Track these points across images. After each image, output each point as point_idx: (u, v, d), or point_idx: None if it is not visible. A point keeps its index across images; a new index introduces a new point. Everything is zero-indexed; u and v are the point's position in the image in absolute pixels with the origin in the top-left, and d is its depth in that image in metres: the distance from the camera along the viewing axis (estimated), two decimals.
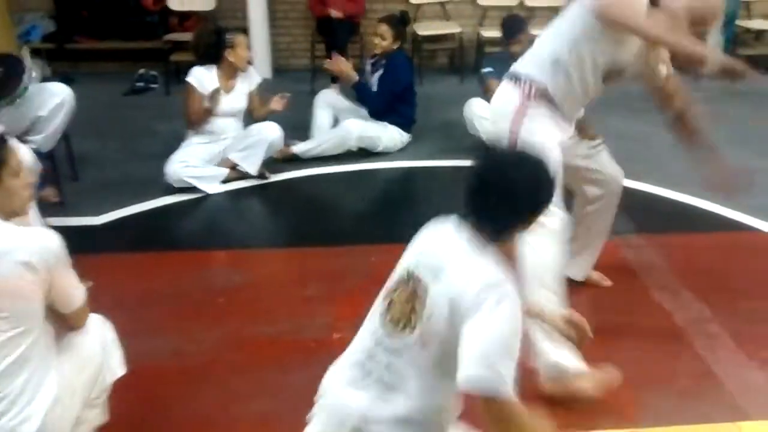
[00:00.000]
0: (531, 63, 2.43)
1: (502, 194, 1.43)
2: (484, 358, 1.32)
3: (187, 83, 3.99)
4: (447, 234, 1.49)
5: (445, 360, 1.39)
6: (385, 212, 3.76)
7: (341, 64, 4.54)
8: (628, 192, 3.06)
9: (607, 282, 2.95)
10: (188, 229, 3.69)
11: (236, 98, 4.07)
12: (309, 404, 2.23)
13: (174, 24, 6.40)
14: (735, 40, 6.98)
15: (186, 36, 6.07)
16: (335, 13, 5.82)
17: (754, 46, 7.27)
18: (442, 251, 1.45)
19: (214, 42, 3.99)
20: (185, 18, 6.44)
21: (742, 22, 7.00)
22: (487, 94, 4.42)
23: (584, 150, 2.69)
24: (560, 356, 2.22)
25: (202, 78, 3.98)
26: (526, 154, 1.57)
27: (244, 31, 6.33)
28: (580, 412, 2.23)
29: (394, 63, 4.55)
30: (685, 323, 2.72)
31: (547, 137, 2.30)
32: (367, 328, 1.53)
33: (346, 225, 3.69)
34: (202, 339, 2.59)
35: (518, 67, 2.46)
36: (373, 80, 4.59)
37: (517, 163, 1.49)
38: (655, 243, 3.31)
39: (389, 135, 4.55)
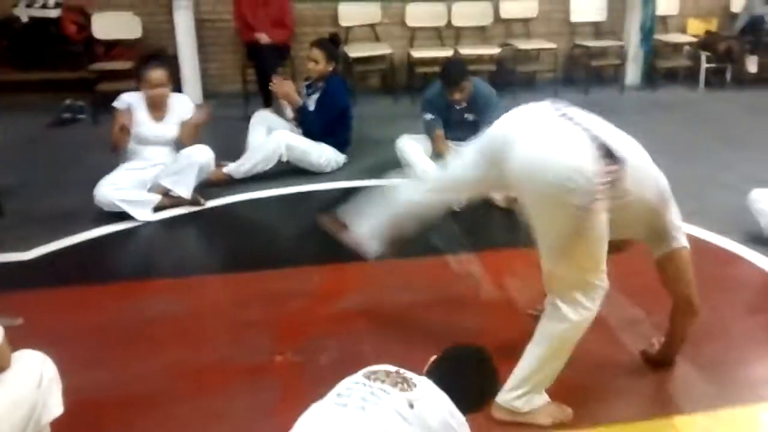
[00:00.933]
0: None
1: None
2: None
3: (113, 108, 3.97)
4: None
5: None
6: (324, 233, 3.76)
7: (286, 87, 4.56)
8: None
9: None
10: (123, 259, 3.61)
11: (166, 127, 4.02)
12: (256, 427, 2.22)
13: (100, 53, 6.29)
14: (654, 53, 7.31)
15: (112, 65, 6.00)
16: (263, 39, 5.83)
17: (673, 58, 7.63)
18: None
19: (137, 72, 3.98)
20: (111, 47, 6.34)
21: (660, 36, 7.34)
22: (434, 143, 4.47)
23: None
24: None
25: (130, 101, 3.96)
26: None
27: (173, 59, 6.33)
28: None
29: (331, 87, 4.59)
30: (619, 325, 2.81)
31: None
32: None
33: (286, 247, 3.68)
34: (142, 369, 2.53)
35: None
36: (310, 103, 4.63)
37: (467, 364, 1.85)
38: None
39: (324, 152, 4.58)
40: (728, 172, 4.59)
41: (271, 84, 4.68)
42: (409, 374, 1.65)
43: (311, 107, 4.62)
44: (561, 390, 2.40)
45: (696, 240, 3.61)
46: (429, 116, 4.44)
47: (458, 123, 4.37)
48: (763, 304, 3.10)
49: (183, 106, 4.12)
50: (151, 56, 4.25)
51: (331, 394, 1.62)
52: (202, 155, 4.02)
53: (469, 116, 4.38)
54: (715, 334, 2.78)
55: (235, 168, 4.41)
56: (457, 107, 4.37)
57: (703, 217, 3.80)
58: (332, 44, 4.85)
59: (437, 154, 4.45)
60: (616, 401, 2.38)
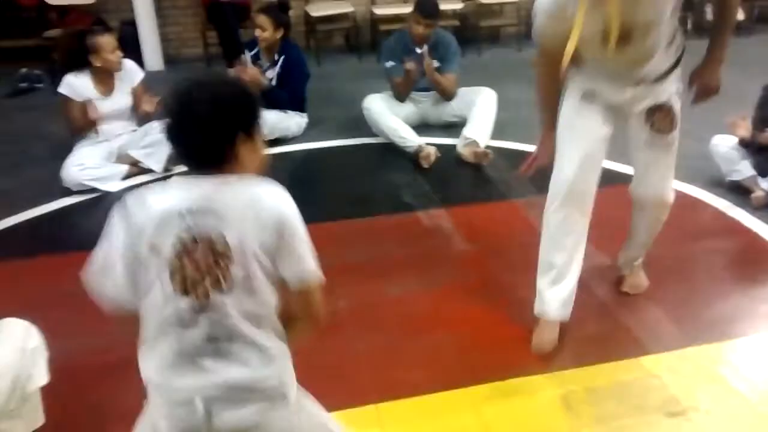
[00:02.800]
0: None
1: (202, 121, 1.29)
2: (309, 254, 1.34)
3: (60, 94, 3.83)
4: (194, 182, 1.30)
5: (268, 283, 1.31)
6: (295, 195, 3.77)
7: (250, 72, 4.33)
8: (524, 155, 3.20)
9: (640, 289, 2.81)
10: (92, 228, 3.50)
11: (118, 99, 3.92)
12: None
13: (54, 19, 6.11)
14: None
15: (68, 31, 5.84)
16: None
17: None
18: (206, 200, 1.28)
19: (76, 48, 3.78)
20: (65, 13, 6.16)
21: None
22: (393, 90, 4.47)
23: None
24: None
25: (74, 85, 3.82)
26: (215, 77, 1.49)
27: (131, 24, 6.18)
28: (494, 362, 2.35)
29: (291, 58, 4.39)
30: (587, 272, 2.87)
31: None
32: (160, 312, 1.32)
33: None
34: (120, 334, 2.53)
35: None
36: (270, 75, 4.43)
37: (205, 87, 1.33)
38: None
39: (294, 121, 4.52)
40: (689, 119, 4.56)
41: (233, 70, 4.39)
42: None
43: (273, 82, 4.41)
44: (528, 336, 2.48)
45: None
46: (390, 63, 4.44)
47: (420, 71, 4.38)
48: (724, 246, 3.20)
49: (130, 73, 3.98)
50: (91, 26, 4.09)
51: None
52: None
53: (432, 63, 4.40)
54: (679, 276, 2.89)
55: None
56: (419, 51, 4.36)
57: None
58: (280, 9, 4.62)
59: (398, 98, 4.47)
60: (585, 345, 2.46)
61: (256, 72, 4.36)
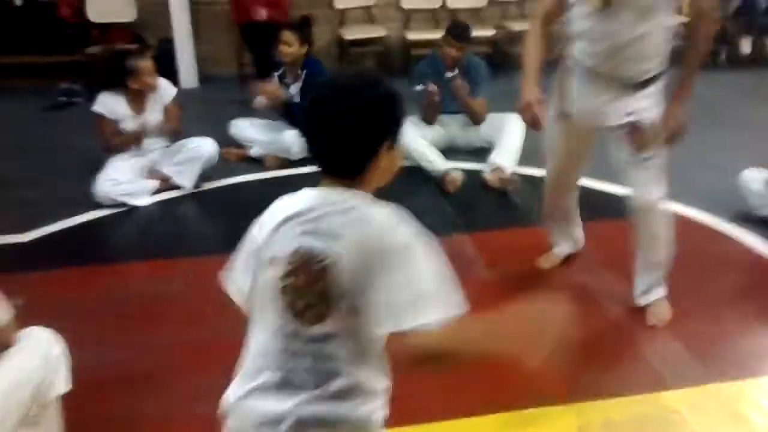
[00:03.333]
0: None
1: (345, 129, 1.20)
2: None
3: (96, 113, 3.91)
4: (313, 198, 1.27)
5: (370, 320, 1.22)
6: None
7: (269, 87, 4.48)
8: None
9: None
10: (121, 241, 3.65)
11: (150, 117, 3.98)
12: None
13: (96, 36, 6.28)
14: None
15: (110, 48, 5.99)
16: (259, 14, 5.80)
17: None
18: (324, 217, 1.23)
19: (114, 68, 3.89)
20: (107, 29, 6.33)
21: None
22: (421, 113, 4.51)
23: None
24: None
25: (110, 104, 3.90)
26: (358, 76, 1.32)
27: (167, 42, 6.33)
28: (511, 390, 2.34)
29: (313, 73, 4.44)
30: (607, 302, 2.87)
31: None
32: (266, 325, 1.29)
33: None
34: (142, 347, 2.58)
35: None
36: (293, 91, 4.48)
37: (348, 89, 1.23)
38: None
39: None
40: (719, 153, 4.63)
41: (255, 99, 4.57)
42: None
43: (296, 98, 4.45)
44: (548, 365, 2.45)
45: (686, 219, 3.67)
46: (419, 87, 4.47)
47: (449, 94, 4.41)
48: (749, 280, 3.15)
49: (163, 91, 4.05)
50: (130, 44, 4.17)
51: None
52: (208, 148, 4.05)
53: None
54: (704, 310, 2.84)
55: (258, 153, 4.49)
56: (450, 74, 4.40)
57: (694, 197, 3.84)
58: (304, 25, 4.73)
59: (426, 121, 4.49)
60: (604, 376, 2.44)
61: (275, 87, 4.48)
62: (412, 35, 6.73)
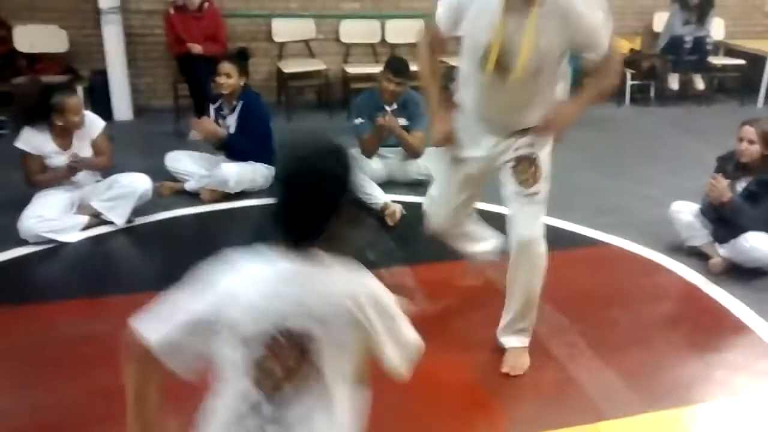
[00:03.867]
0: None
1: (313, 197, 1.29)
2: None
3: (19, 150, 3.75)
4: (284, 272, 1.30)
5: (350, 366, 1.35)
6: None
7: (206, 124, 4.45)
8: (488, 215, 3.23)
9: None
10: (47, 279, 3.48)
11: (78, 152, 3.83)
12: None
13: (22, 67, 6.08)
14: (581, 70, 7.52)
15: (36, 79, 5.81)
16: (196, 49, 5.75)
17: None
18: (301, 301, 1.28)
19: (39, 103, 3.73)
20: (35, 60, 6.14)
21: (587, 54, 7.55)
22: (361, 146, 4.51)
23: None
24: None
25: (34, 140, 3.74)
26: (316, 145, 1.39)
27: (101, 74, 6.19)
28: (449, 424, 2.31)
29: (250, 104, 4.45)
30: (546, 334, 2.88)
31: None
32: (229, 395, 1.33)
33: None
34: (65, 392, 2.45)
35: None
36: (229, 123, 4.46)
37: (313, 159, 1.32)
38: None
39: (260, 173, 4.47)
40: (651, 185, 4.77)
41: (192, 132, 4.58)
42: None
43: (232, 129, 4.45)
44: (483, 397, 2.45)
45: (620, 251, 3.75)
46: (359, 120, 4.51)
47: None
48: (682, 311, 3.23)
49: (89, 125, 3.89)
50: (54, 86, 4.03)
51: None
52: (142, 184, 3.93)
53: (401, 120, 4.47)
54: (636, 340, 2.89)
55: (194, 187, 4.40)
56: (388, 108, 4.43)
57: (628, 228, 3.95)
58: (242, 57, 4.80)
59: (365, 155, 4.50)
60: (543, 408, 2.43)
61: (212, 126, 4.44)
62: (352, 69, 6.77)
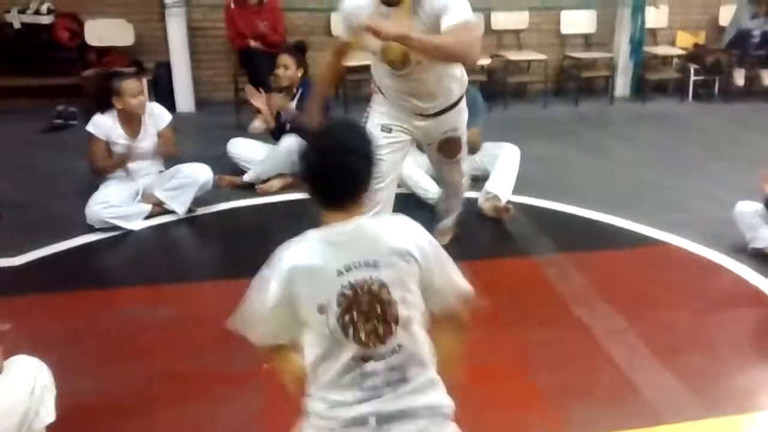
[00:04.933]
0: None
1: (356, 167, 1.50)
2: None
3: (88, 132, 3.89)
4: (339, 231, 1.47)
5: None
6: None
7: (276, 99, 4.57)
8: (546, 212, 3.20)
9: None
10: (113, 266, 3.62)
11: (144, 141, 3.96)
12: None
13: (93, 60, 6.30)
14: (643, 65, 7.37)
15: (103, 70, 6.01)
16: (254, 44, 5.85)
17: (662, 70, 7.70)
18: (360, 253, 1.44)
19: (104, 88, 3.87)
20: (104, 53, 6.35)
21: (650, 49, 7.40)
22: None
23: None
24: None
25: (103, 125, 3.88)
26: (348, 126, 1.63)
27: (165, 66, 6.35)
28: (504, 424, 2.30)
29: (307, 91, 4.41)
30: (603, 335, 2.84)
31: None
32: (330, 358, 1.45)
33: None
34: (128, 376, 2.54)
35: None
36: (291, 108, 4.55)
37: (349, 138, 1.54)
38: (574, 260, 3.44)
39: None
40: (714, 183, 4.64)
41: (257, 96, 4.63)
42: None
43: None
44: (545, 397, 2.43)
45: (682, 251, 3.67)
46: None
47: None
48: (745, 315, 3.14)
49: (157, 116, 4.03)
50: (126, 67, 4.18)
51: None
52: (203, 174, 4.03)
53: None
54: (697, 344, 2.82)
55: (253, 176, 4.49)
56: None
57: (690, 228, 3.86)
58: (299, 49, 4.89)
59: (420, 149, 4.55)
60: (599, 410, 2.40)
61: (279, 98, 4.57)
62: None
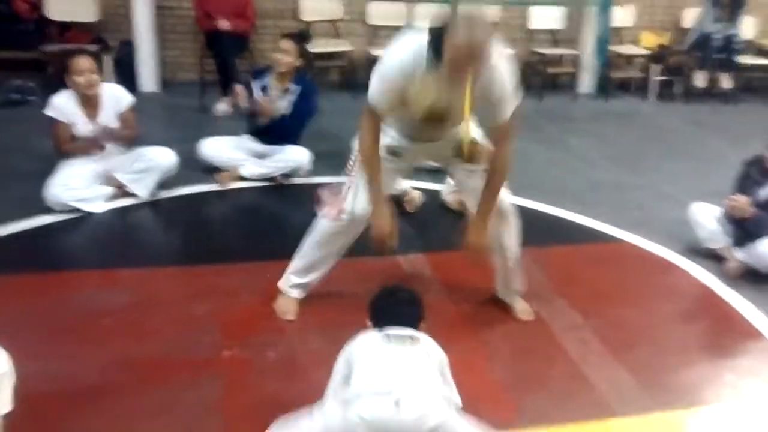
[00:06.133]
0: None
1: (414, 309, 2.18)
2: None
3: (48, 117, 3.80)
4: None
5: None
6: (281, 229, 3.77)
7: (263, 102, 4.29)
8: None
9: None
10: (72, 249, 3.56)
11: (103, 122, 3.87)
12: (201, 421, 2.24)
13: (53, 34, 6.15)
14: (608, 63, 7.49)
15: (66, 47, 5.87)
16: (222, 24, 5.77)
17: (626, 69, 7.84)
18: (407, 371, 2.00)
19: (60, 69, 3.78)
20: (66, 28, 6.21)
21: (615, 47, 7.53)
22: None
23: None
24: None
25: (61, 107, 3.79)
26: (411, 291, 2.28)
27: (129, 45, 6.24)
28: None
29: (309, 91, 4.38)
30: (559, 330, 2.91)
31: None
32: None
33: (239, 242, 3.67)
34: (87, 361, 2.52)
35: None
36: (281, 105, 4.34)
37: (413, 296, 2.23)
38: (533, 255, 3.49)
39: (302, 153, 4.45)
40: (672, 183, 4.76)
41: (240, 100, 4.34)
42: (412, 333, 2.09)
43: (283, 111, 4.33)
44: (501, 389, 2.48)
45: (637, 249, 3.76)
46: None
47: None
48: (696, 313, 3.24)
49: (116, 98, 3.94)
50: (73, 50, 4.07)
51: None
52: (166, 158, 3.98)
53: None
54: (649, 339, 2.91)
55: (253, 173, 4.35)
56: None
57: (646, 226, 3.96)
58: (302, 38, 4.60)
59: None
60: (554, 402, 2.47)
61: (267, 102, 4.30)
62: (378, 51, 6.76)
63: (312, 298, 2.99)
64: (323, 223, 2.84)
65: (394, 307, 2.15)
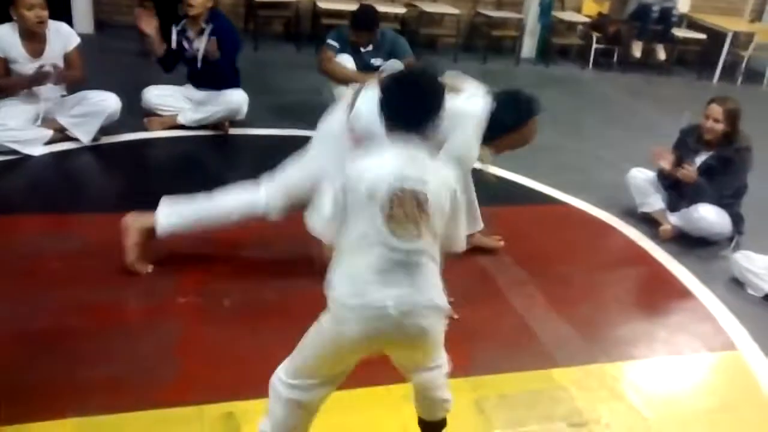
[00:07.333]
0: None
1: (428, 104, 1.77)
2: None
3: None
4: (404, 151, 1.72)
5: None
6: (222, 177, 3.72)
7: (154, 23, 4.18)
8: None
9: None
10: (11, 191, 3.42)
11: (48, 61, 3.69)
12: (157, 367, 2.24)
13: None
14: (550, 29, 7.61)
15: None
16: None
17: (567, 35, 7.98)
18: (413, 165, 1.69)
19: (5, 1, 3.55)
20: None
21: (557, 13, 7.64)
22: (321, 62, 4.47)
23: None
24: None
25: (3, 42, 3.60)
26: (419, 70, 2.02)
27: None
28: None
29: (222, 28, 4.23)
30: (506, 285, 3.02)
31: None
32: (367, 242, 1.65)
33: (183, 189, 3.59)
34: (39, 304, 2.46)
35: None
36: (197, 46, 4.22)
37: (422, 77, 1.84)
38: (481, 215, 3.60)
39: (243, 99, 4.36)
40: (609, 149, 4.94)
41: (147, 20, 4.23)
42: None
43: (201, 53, 4.22)
44: (449, 340, 2.56)
45: (578, 211, 3.91)
46: (333, 42, 4.42)
47: (365, 68, 4.40)
48: (631, 273, 3.41)
49: (63, 37, 3.77)
50: None
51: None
52: (111, 104, 3.84)
53: (376, 61, 4.45)
54: (588, 297, 3.06)
55: (191, 119, 4.24)
56: (363, 50, 4.43)
57: (585, 190, 4.11)
58: None
59: (323, 73, 4.47)
60: (500, 353, 2.57)
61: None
62: (323, 4, 6.66)
63: (267, 249, 2.99)
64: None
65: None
